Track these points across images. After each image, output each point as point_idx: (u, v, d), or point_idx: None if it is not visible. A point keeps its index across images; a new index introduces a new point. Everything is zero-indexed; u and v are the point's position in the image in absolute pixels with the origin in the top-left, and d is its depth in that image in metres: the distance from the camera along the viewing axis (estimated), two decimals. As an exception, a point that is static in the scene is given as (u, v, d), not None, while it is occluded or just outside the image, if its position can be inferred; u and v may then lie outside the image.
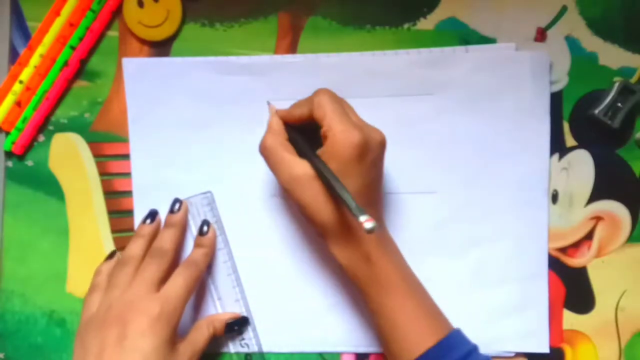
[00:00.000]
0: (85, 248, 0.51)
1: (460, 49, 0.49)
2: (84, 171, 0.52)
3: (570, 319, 0.49)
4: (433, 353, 0.41)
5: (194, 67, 0.50)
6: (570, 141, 0.50)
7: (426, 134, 0.49)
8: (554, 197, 0.49)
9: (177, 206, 0.49)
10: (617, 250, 0.49)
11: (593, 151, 0.49)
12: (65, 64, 0.51)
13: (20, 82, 0.51)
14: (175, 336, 0.44)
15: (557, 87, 0.50)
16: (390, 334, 0.42)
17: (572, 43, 0.50)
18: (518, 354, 0.49)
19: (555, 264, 0.49)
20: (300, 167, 0.42)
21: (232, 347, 0.50)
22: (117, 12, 0.51)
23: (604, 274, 0.49)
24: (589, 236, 0.49)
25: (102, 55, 0.52)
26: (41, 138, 0.52)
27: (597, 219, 0.49)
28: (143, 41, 0.51)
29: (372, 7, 0.50)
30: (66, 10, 0.51)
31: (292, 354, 0.50)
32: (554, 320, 0.49)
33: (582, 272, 0.49)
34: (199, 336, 0.46)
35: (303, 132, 0.45)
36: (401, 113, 0.49)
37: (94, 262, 0.51)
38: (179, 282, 0.45)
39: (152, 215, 0.49)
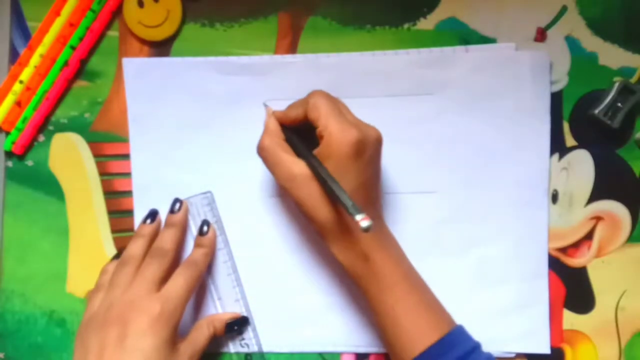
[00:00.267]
0: (85, 248, 0.51)
1: (460, 49, 0.49)
2: (84, 171, 0.52)
3: (570, 319, 0.49)
4: (435, 350, 0.40)
5: (194, 67, 0.50)
6: (570, 141, 0.50)
7: (426, 134, 0.49)
8: (554, 197, 0.49)
9: (177, 206, 0.49)
10: (617, 250, 0.49)
11: (593, 151, 0.49)
12: (66, 64, 0.51)
13: (21, 82, 0.51)
14: (176, 336, 0.44)
15: (557, 87, 0.50)
16: (391, 332, 0.42)
17: (572, 43, 0.50)
18: (518, 354, 0.49)
19: (555, 264, 0.49)
20: (298, 167, 0.42)
21: (232, 347, 0.50)
22: (117, 12, 0.51)
23: (604, 274, 0.49)
24: (589, 236, 0.49)
25: (102, 55, 0.52)
26: (41, 138, 0.52)
27: (597, 219, 0.49)
28: (143, 41, 0.51)
29: (372, 7, 0.51)
30: (66, 10, 0.51)
31: (292, 354, 0.50)
32: (554, 320, 0.49)
33: (582, 272, 0.49)
34: (199, 336, 0.46)
35: (299, 133, 0.45)
36: (401, 113, 0.49)
37: (94, 262, 0.51)
38: (179, 282, 0.45)
39: (153, 215, 0.49)
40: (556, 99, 0.49)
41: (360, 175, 0.42)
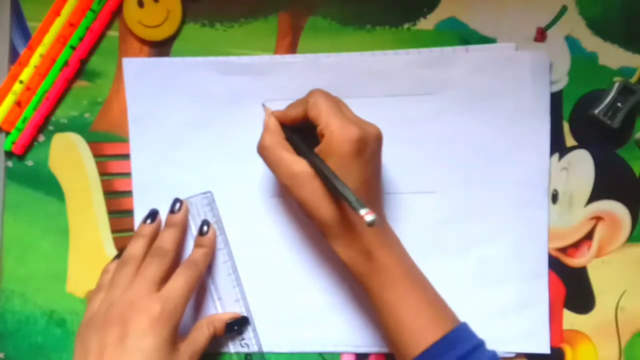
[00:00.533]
0: (85, 248, 0.51)
1: (460, 49, 0.49)
2: (84, 171, 0.52)
3: (570, 319, 0.49)
4: (438, 347, 0.40)
5: (194, 67, 0.50)
6: (570, 141, 0.50)
7: (426, 134, 0.49)
8: (554, 197, 0.49)
9: (177, 206, 0.49)
10: (617, 250, 0.49)
11: (593, 151, 0.49)
12: (66, 64, 0.51)
13: (21, 82, 0.51)
14: (176, 336, 0.44)
15: (557, 87, 0.50)
16: (394, 330, 0.42)
17: (572, 43, 0.50)
18: (518, 354, 0.49)
19: (555, 264, 0.49)
20: (299, 165, 0.42)
21: (232, 347, 0.50)
22: (117, 12, 0.51)
23: (604, 274, 0.49)
24: (589, 236, 0.49)
25: (102, 55, 0.52)
26: (41, 138, 0.52)
27: (597, 219, 0.49)
28: (143, 41, 0.51)
29: (372, 7, 0.51)
30: (66, 10, 0.51)
31: (292, 354, 0.50)
32: (554, 320, 0.49)
33: (582, 272, 0.49)
34: (199, 336, 0.46)
35: (299, 133, 0.45)
36: (401, 113, 0.49)
37: (94, 262, 0.51)
38: (179, 281, 0.45)
39: (153, 215, 0.49)
40: (556, 99, 0.49)
41: (362, 173, 0.42)
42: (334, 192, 0.41)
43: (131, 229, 0.51)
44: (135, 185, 0.51)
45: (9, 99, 0.51)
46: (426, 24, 0.50)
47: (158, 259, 0.45)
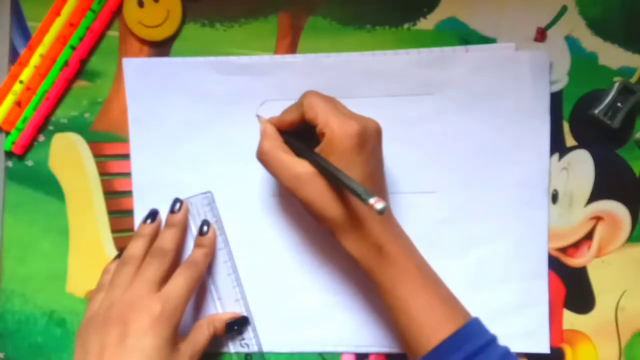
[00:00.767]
0: (85, 248, 0.51)
1: (460, 49, 0.49)
2: (84, 171, 0.52)
3: (570, 319, 0.49)
4: (450, 343, 0.40)
5: (194, 67, 0.50)
6: (570, 141, 0.50)
7: (426, 134, 0.49)
8: (554, 197, 0.49)
9: (177, 206, 0.49)
10: (617, 250, 0.49)
11: (593, 151, 0.49)
12: (65, 64, 0.51)
13: (21, 82, 0.51)
14: (177, 336, 0.44)
15: (557, 87, 0.50)
16: (406, 326, 0.42)
17: (572, 43, 0.50)
18: (518, 354, 0.49)
19: (555, 264, 0.49)
20: (301, 166, 0.42)
21: (232, 347, 0.50)
22: (117, 12, 0.51)
23: (604, 274, 0.49)
24: (589, 236, 0.49)
25: (102, 55, 0.52)
26: (41, 138, 0.52)
27: (597, 219, 0.49)
28: (143, 41, 0.51)
29: (372, 7, 0.50)
30: (66, 10, 0.51)
31: (292, 354, 0.50)
32: (554, 320, 0.49)
33: (582, 272, 0.49)
34: (199, 336, 0.47)
35: (296, 137, 0.45)
36: (401, 113, 0.49)
37: (94, 262, 0.51)
38: (179, 281, 0.45)
39: (153, 215, 0.49)
40: (556, 99, 0.49)
41: (366, 167, 0.42)
42: (340, 187, 0.41)
43: (131, 229, 0.51)
44: (135, 185, 0.51)
45: (9, 99, 0.51)
46: (426, 24, 0.50)
47: (158, 259, 0.45)
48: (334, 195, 0.42)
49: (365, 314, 0.49)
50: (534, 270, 0.49)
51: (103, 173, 0.52)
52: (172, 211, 0.49)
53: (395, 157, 0.49)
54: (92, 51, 0.52)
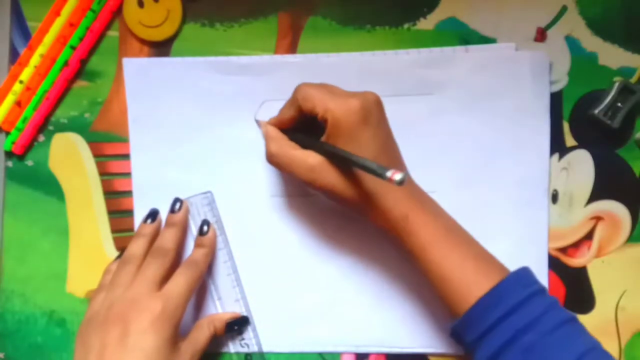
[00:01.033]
0: (85, 248, 0.51)
1: (460, 49, 0.49)
2: (84, 171, 0.52)
3: (570, 319, 0.49)
4: (487, 300, 0.40)
5: (194, 67, 0.50)
6: (570, 141, 0.50)
7: (426, 134, 0.49)
8: (554, 197, 0.49)
9: (177, 206, 0.49)
10: (617, 250, 0.49)
11: (593, 151, 0.49)
12: (66, 64, 0.51)
13: (21, 82, 0.51)
14: (177, 335, 0.44)
15: (557, 87, 0.50)
16: (442, 289, 0.42)
17: (572, 43, 0.50)
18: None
19: (555, 264, 0.49)
20: (312, 157, 0.42)
21: (232, 347, 0.50)
22: (117, 12, 0.51)
23: (604, 274, 0.49)
24: (589, 236, 0.49)
25: (102, 55, 0.52)
26: (41, 138, 0.52)
27: (597, 219, 0.49)
28: (143, 41, 0.51)
29: (372, 7, 0.51)
30: (66, 10, 0.51)
31: (292, 354, 0.50)
32: (554, 320, 0.49)
33: (582, 272, 0.49)
34: (200, 335, 0.47)
35: (299, 132, 0.45)
36: (401, 113, 0.49)
37: (94, 262, 0.51)
38: (180, 281, 0.45)
39: (153, 214, 0.49)
40: (556, 99, 0.49)
41: (376, 140, 0.42)
42: (356, 167, 0.41)
43: (131, 229, 0.51)
44: (135, 185, 0.51)
45: (9, 99, 0.51)
46: (426, 24, 0.50)
47: (159, 259, 0.45)
48: (352, 176, 0.42)
49: (365, 314, 0.49)
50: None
51: (103, 173, 0.52)
52: (172, 211, 0.49)
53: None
54: (92, 51, 0.52)
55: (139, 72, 0.51)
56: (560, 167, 0.50)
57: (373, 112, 0.42)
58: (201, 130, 0.51)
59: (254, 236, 0.50)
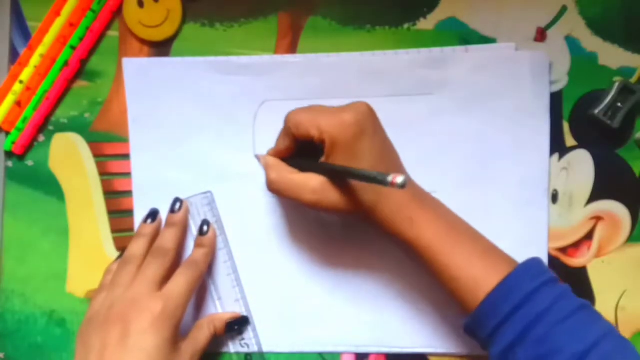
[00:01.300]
0: (85, 248, 0.51)
1: (460, 49, 0.49)
2: (84, 171, 0.52)
3: (570, 319, 0.49)
4: (496, 294, 0.40)
5: (194, 67, 0.50)
6: (570, 141, 0.50)
7: (426, 134, 0.49)
8: (554, 197, 0.49)
9: (177, 205, 0.49)
10: (617, 250, 0.49)
11: (593, 151, 0.49)
12: (66, 64, 0.51)
13: (21, 82, 0.51)
14: (178, 335, 0.44)
15: (557, 87, 0.50)
16: (451, 288, 0.42)
17: (572, 43, 0.50)
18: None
19: (555, 264, 0.49)
20: (314, 179, 0.42)
21: (232, 347, 0.50)
22: (117, 12, 0.51)
23: (604, 274, 0.49)
24: (589, 236, 0.49)
25: (102, 55, 0.52)
26: (41, 138, 0.52)
27: (597, 219, 0.49)
28: (143, 41, 0.51)
29: (372, 7, 0.51)
30: (66, 10, 0.51)
31: (292, 354, 0.50)
32: (554, 320, 0.49)
33: (582, 272, 0.49)
34: (200, 335, 0.47)
35: (300, 156, 0.45)
36: (401, 113, 0.49)
37: (94, 262, 0.51)
38: (180, 281, 0.45)
39: (153, 214, 0.49)
40: (556, 99, 0.49)
41: (373, 149, 0.42)
42: (357, 179, 0.41)
43: (131, 229, 0.51)
44: (135, 185, 0.51)
45: (9, 99, 0.51)
46: (426, 24, 0.50)
47: (159, 259, 0.45)
48: (354, 190, 0.42)
49: (365, 314, 0.49)
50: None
51: (103, 173, 0.52)
52: (172, 211, 0.49)
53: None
54: (92, 51, 0.52)
55: (139, 72, 0.51)
56: (560, 167, 0.50)
57: (367, 123, 0.42)
58: (201, 130, 0.51)
59: (254, 236, 0.50)
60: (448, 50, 0.49)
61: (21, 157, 0.52)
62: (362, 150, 0.42)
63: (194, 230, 0.50)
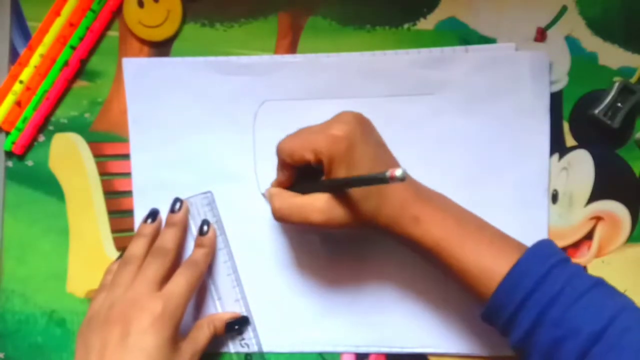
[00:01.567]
0: (85, 248, 0.51)
1: (460, 49, 0.49)
2: (84, 171, 0.52)
3: (570, 319, 0.49)
4: (507, 283, 0.40)
5: (194, 67, 0.50)
6: (570, 141, 0.50)
7: (426, 134, 0.49)
8: (554, 197, 0.49)
9: (177, 205, 0.49)
10: (617, 250, 0.49)
11: (593, 151, 0.49)
12: (66, 64, 0.51)
13: (21, 82, 0.51)
14: (178, 335, 0.44)
15: (557, 87, 0.50)
16: (463, 282, 0.42)
17: (572, 43, 0.50)
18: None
19: (555, 264, 0.49)
20: (318, 199, 0.42)
21: (232, 347, 0.50)
22: (117, 12, 0.51)
23: (604, 274, 0.49)
24: (589, 236, 0.49)
25: (102, 55, 0.52)
26: (41, 138, 0.52)
27: (597, 219, 0.49)
28: (143, 41, 0.51)
29: (372, 7, 0.51)
30: (66, 10, 0.51)
31: (292, 354, 0.50)
32: (554, 320, 0.49)
33: (582, 272, 0.49)
34: (200, 335, 0.47)
35: (303, 179, 0.46)
36: (401, 113, 0.49)
37: (94, 262, 0.51)
38: (180, 281, 0.45)
39: (153, 214, 0.49)
40: (556, 99, 0.49)
41: (367, 155, 0.42)
42: (359, 187, 0.41)
43: (131, 229, 0.51)
44: (135, 185, 0.51)
45: (9, 99, 0.51)
46: (426, 24, 0.50)
47: (159, 259, 0.45)
48: (358, 200, 0.42)
49: (365, 314, 0.49)
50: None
51: (103, 173, 0.52)
52: (172, 211, 0.49)
53: (395, 157, 0.48)
54: (92, 51, 0.52)
55: (139, 72, 0.51)
56: (560, 167, 0.50)
57: (356, 132, 0.42)
58: (201, 130, 0.51)
59: (254, 236, 0.50)
60: (448, 50, 0.49)
61: (21, 157, 0.52)
62: (358, 159, 0.42)
63: (194, 230, 0.50)
